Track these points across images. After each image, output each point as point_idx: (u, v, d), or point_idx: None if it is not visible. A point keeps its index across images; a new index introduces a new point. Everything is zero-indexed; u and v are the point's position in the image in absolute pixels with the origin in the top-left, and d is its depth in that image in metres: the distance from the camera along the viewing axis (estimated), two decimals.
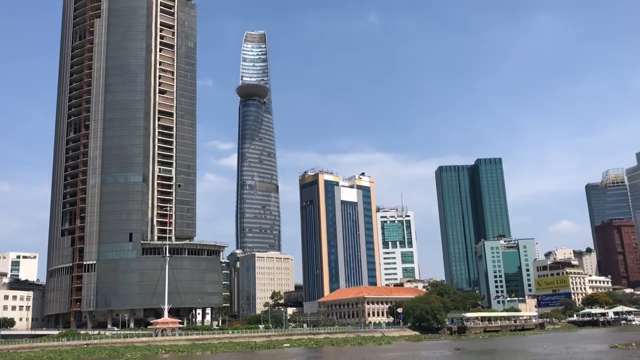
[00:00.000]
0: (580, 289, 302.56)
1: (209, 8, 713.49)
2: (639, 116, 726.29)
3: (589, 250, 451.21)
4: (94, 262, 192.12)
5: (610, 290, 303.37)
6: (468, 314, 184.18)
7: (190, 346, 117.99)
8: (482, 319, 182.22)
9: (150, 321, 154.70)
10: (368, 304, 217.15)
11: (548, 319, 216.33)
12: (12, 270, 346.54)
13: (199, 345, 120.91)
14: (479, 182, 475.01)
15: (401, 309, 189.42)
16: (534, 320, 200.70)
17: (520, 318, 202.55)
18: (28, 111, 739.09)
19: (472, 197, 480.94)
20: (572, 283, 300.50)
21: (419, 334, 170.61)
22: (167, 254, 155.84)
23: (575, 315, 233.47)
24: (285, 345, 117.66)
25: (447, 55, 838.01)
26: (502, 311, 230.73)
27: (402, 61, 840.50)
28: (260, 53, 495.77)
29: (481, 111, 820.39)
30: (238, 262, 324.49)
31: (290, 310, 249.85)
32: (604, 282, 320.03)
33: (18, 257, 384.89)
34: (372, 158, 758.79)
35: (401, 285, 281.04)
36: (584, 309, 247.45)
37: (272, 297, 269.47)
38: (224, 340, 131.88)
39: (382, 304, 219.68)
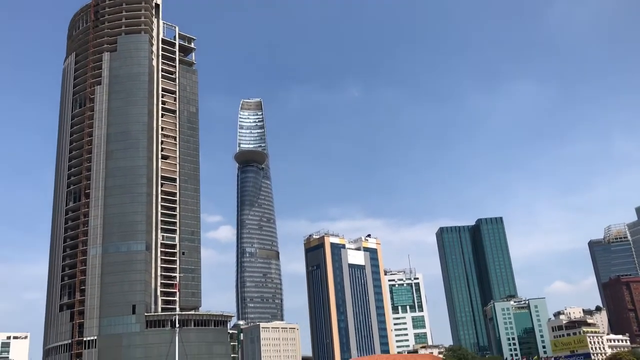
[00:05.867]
0: (600, 348, 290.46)
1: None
2: (624, 173, 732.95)
3: (598, 309, 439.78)
4: (95, 337, 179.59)
5: (630, 348, 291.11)
6: None
7: None
8: None
9: None
10: None
11: None
12: (2, 352, 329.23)
13: None
14: (482, 242, 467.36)
15: None
16: None
17: None
18: (13, 190, 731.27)
19: (475, 257, 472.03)
20: (591, 342, 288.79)
21: None
22: (177, 326, 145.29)
23: None
24: None
25: (429, 123, 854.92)
26: None
27: (386, 130, 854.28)
28: (257, 120, 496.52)
29: (468, 175, 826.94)
30: (242, 334, 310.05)
31: None
32: (622, 341, 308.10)
33: (8, 337, 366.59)
34: (363, 224, 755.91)
35: (415, 352, 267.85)
36: None
37: None
38: None
39: None
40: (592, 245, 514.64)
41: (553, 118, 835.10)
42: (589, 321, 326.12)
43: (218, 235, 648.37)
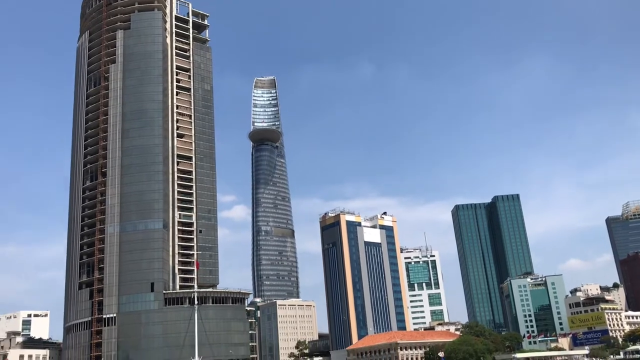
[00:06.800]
0: (618, 325, 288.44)
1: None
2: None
3: (616, 286, 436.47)
4: (114, 315, 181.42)
5: None
6: (518, 355, 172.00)
7: None
8: (534, 359, 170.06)
9: None
10: (401, 349, 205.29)
11: (595, 358, 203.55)
12: (23, 329, 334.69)
13: None
14: (498, 219, 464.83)
15: (442, 353, 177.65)
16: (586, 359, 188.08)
17: (572, 357, 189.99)
18: (29, 171, 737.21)
19: (491, 235, 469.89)
20: (609, 319, 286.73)
21: None
22: (196, 303, 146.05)
23: (622, 353, 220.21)
24: None
25: (443, 101, 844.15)
26: (545, 351, 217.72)
27: (399, 109, 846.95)
28: (270, 98, 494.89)
29: (483, 153, 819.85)
30: (258, 311, 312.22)
31: None
32: None
33: (29, 315, 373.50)
34: (376, 203, 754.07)
35: (432, 328, 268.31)
36: (627, 346, 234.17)
37: (297, 347, 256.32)
38: None
39: (416, 349, 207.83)
40: (610, 221, 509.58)
41: (569, 94, 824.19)
42: (607, 298, 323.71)
43: (232, 215, 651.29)
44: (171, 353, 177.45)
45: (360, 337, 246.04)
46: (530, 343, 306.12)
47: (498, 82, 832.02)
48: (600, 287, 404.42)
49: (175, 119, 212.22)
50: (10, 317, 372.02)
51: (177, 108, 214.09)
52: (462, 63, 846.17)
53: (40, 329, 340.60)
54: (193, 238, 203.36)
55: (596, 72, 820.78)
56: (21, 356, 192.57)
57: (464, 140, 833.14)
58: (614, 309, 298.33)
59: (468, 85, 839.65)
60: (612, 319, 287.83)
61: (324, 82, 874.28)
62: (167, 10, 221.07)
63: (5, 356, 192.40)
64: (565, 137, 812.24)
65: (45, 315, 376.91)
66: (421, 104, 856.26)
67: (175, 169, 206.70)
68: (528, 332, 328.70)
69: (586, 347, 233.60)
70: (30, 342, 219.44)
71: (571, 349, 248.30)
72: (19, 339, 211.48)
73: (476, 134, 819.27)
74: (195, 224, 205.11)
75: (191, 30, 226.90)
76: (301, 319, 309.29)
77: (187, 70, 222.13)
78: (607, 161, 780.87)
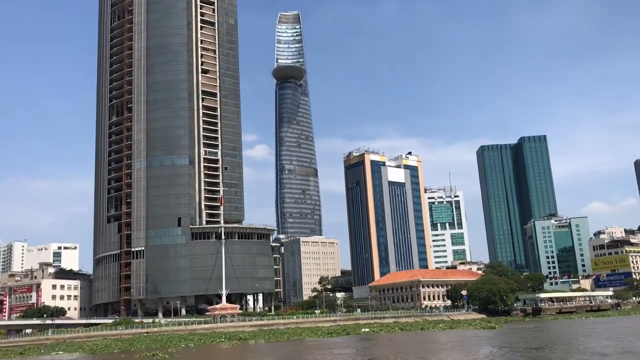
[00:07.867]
0: None
1: None
2: None
3: None
4: (143, 248, 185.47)
5: None
6: (542, 295, 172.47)
7: (258, 332, 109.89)
8: (557, 299, 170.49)
9: (208, 307, 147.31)
10: (423, 287, 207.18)
11: (618, 299, 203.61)
12: (53, 261, 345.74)
13: (265, 331, 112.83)
14: (523, 160, 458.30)
15: (465, 291, 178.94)
16: (609, 301, 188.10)
17: (596, 298, 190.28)
18: (56, 106, 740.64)
19: (516, 176, 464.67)
20: (633, 262, 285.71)
21: (486, 317, 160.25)
22: (223, 237, 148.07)
23: None
24: (365, 330, 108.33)
25: (469, 40, 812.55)
26: (568, 292, 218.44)
27: (424, 47, 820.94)
28: (295, 34, 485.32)
29: (508, 93, 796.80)
30: (282, 248, 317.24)
31: (338, 295, 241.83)
32: None
33: (59, 248, 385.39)
34: (399, 144, 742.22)
35: (454, 267, 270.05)
36: None
37: (320, 283, 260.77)
38: (290, 325, 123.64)
39: (437, 287, 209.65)
40: (639, 164, 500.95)
41: (599, 33, 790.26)
42: (632, 241, 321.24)
43: (254, 154, 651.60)
44: (198, 286, 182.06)
45: (382, 274, 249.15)
46: (552, 284, 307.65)
47: (526, 20, 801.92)
48: (625, 229, 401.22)
49: (199, 54, 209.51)
50: (42, 249, 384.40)
51: (201, 43, 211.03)
52: (488, 2, 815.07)
53: (70, 261, 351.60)
54: (218, 175, 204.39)
55: (630, 8, 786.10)
56: (54, 286, 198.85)
57: (490, 79, 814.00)
58: (638, 252, 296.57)
59: (495, 23, 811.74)
60: (636, 262, 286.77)
61: (349, 18, 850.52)
62: None
63: (38, 285, 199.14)
64: (595, 77, 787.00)
65: (75, 247, 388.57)
66: (446, 41, 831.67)
67: (200, 105, 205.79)
68: (550, 273, 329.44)
69: (610, 289, 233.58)
70: (62, 273, 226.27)
71: (593, 291, 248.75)
72: (51, 270, 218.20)
73: (503, 74, 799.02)
74: (220, 161, 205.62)
75: None
76: (324, 255, 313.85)
77: (211, 3, 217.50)
78: (637, 102, 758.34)
